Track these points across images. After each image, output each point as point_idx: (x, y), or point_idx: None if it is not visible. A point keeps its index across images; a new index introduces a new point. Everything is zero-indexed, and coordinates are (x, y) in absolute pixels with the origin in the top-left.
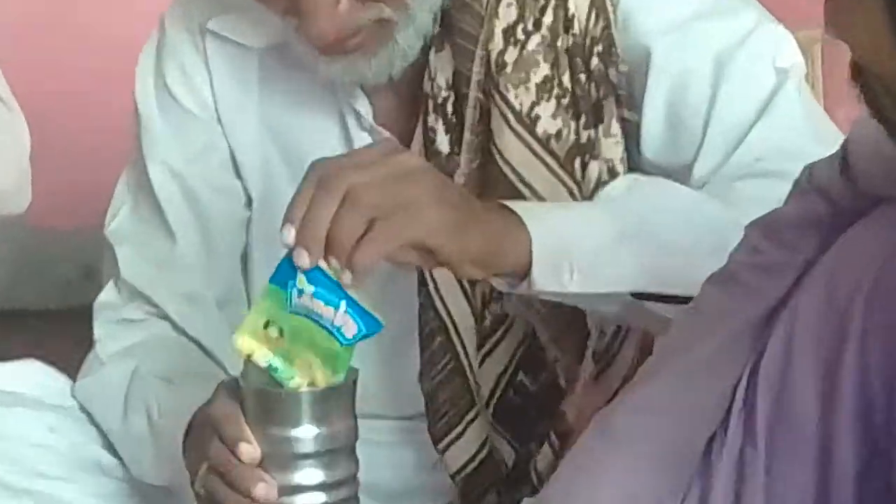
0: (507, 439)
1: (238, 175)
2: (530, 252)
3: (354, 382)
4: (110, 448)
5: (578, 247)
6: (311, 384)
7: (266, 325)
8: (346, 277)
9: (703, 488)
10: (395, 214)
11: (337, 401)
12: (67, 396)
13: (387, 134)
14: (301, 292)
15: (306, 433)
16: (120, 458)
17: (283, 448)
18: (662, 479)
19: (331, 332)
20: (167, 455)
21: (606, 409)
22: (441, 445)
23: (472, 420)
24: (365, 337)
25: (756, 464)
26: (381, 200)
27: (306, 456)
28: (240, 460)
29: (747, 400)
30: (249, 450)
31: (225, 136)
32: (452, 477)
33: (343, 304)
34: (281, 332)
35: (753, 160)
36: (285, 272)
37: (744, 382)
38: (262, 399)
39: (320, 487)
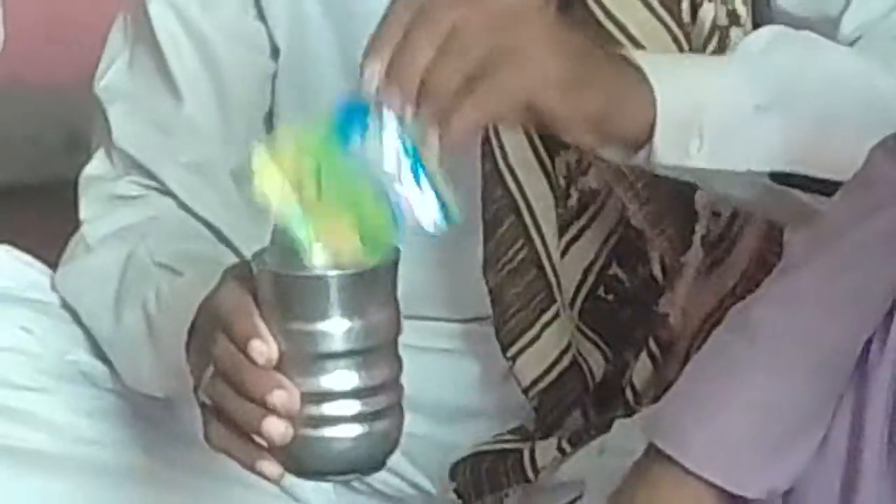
0: (598, 346)
1: (261, 18)
2: (653, 116)
3: (396, 263)
4: (99, 352)
5: (710, 113)
6: (328, 248)
7: (301, 159)
8: (433, 142)
9: (858, 398)
10: (506, 66)
11: (374, 286)
12: (46, 289)
13: None
14: (368, 142)
15: (336, 327)
16: (110, 364)
17: (307, 346)
18: (810, 385)
19: (386, 202)
20: (168, 359)
21: (745, 302)
22: (511, 352)
23: (550, 321)
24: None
25: None
26: (489, 47)
27: (336, 355)
28: (252, 361)
29: None
30: (263, 349)
31: None
32: (525, 392)
33: (418, 175)
34: (318, 172)
35: None
36: (353, 110)
37: None
38: (280, 284)
39: (353, 394)
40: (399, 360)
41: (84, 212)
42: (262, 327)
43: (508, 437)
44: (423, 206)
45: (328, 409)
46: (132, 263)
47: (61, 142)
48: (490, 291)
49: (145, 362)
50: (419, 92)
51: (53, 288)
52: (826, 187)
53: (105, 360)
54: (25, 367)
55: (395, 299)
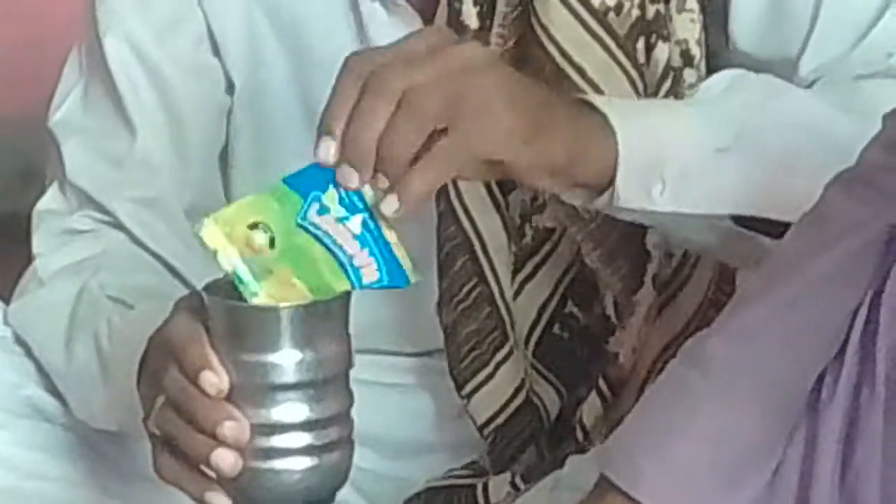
0: (553, 384)
1: (216, 54)
2: (615, 161)
3: (348, 296)
4: (51, 387)
5: (672, 156)
6: None
7: (254, 227)
8: (390, 206)
9: (810, 432)
10: (462, 124)
11: (326, 318)
12: None
13: (404, 4)
14: (324, 210)
15: (287, 358)
16: (63, 399)
17: (258, 377)
18: (764, 419)
19: (344, 269)
20: (119, 392)
21: (699, 335)
22: (466, 390)
23: (504, 359)
24: (383, 287)
25: (873, 408)
26: (444, 106)
27: (287, 387)
28: (203, 393)
29: (868, 329)
30: (214, 380)
31: (200, 4)
32: (480, 430)
33: (374, 239)
34: (272, 242)
35: (883, 56)
36: (310, 180)
37: (865, 308)
38: (232, 316)
39: (304, 426)
40: (350, 393)
41: (37, 246)
42: (214, 358)
43: (462, 472)
44: (378, 269)
45: (278, 441)
46: (84, 297)
47: (16, 175)
48: (444, 329)
49: (96, 395)
50: (376, 159)
51: (6, 322)
52: (786, 231)
53: (58, 395)
54: None
55: (347, 332)
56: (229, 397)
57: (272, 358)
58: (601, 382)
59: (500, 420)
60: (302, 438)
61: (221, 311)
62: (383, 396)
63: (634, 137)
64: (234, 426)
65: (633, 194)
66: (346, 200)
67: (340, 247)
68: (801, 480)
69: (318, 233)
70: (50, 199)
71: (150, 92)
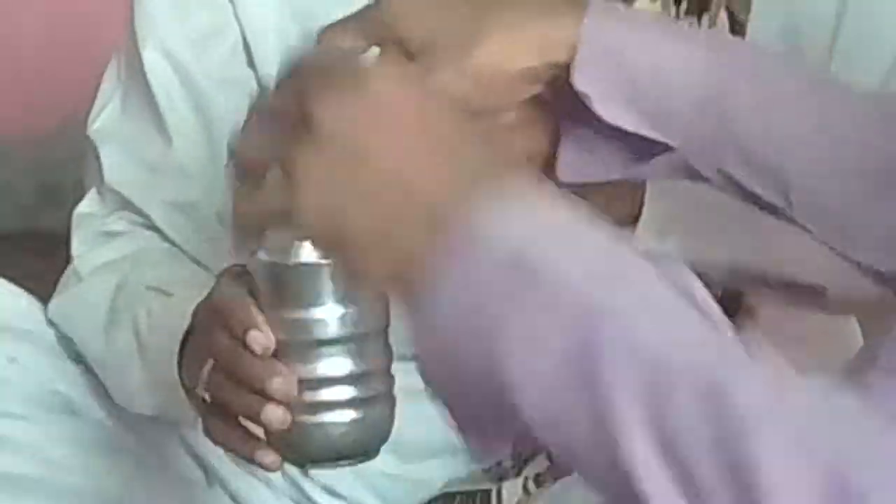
0: None
1: (251, 64)
2: None
3: None
4: (85, 385)
5: None
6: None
7: None
8: None
9: None
10: None
11: None
12: (34, 321)
13: None
14: None
15: (330, 313)
16: (93, 396)
17: (303, 333)
18: None
19: None
20: (157, 376)
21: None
22: None
23: None
24: None
25: None
26: None
27: (331, 342)
28: (251, 352)
29: None
30: (261, 338)
31: (236, 15)
32: None
33: None
34: None
35: None
36: None
37: None
38: (275, 275)
39: (348, 379)
40: (390, 349)
41: (76, 247)
42: (259, 318)
43: (482, 475)
44: None
45: (324, 394)
46: (123, 288)
47: (32, 193)
48: None
49: (134, 379)
50: None
51: (47, 319)
52: None
53: (89, 392)
54: (10, 396)
55: None
56: (276, 355)
57: (316, 314)
58: None
59: None
60: (346, 391)
61: (265, 271)
62: (404, 401)
63: None
64: (282, 381)
65: None
66: None
67: None
68: None
69: None
70: (88, 203)
71: (185, 102)
